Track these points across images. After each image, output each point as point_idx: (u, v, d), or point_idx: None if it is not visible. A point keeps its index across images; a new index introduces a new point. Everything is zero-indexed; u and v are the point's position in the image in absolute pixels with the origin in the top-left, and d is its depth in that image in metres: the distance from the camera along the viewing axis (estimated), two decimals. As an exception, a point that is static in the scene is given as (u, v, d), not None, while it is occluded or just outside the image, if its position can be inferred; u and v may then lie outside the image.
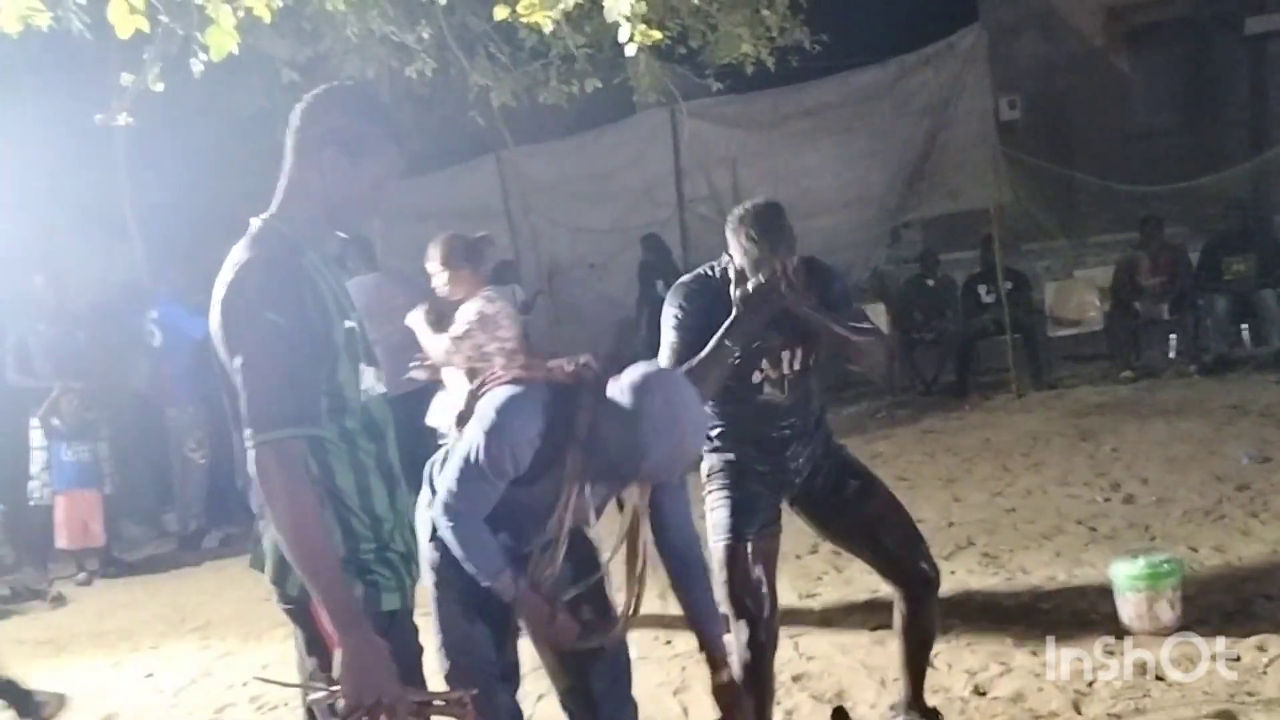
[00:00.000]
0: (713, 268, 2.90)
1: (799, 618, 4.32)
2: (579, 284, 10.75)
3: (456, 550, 2.45)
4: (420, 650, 2.07)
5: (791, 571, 4.72)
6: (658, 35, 5.38)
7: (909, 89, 9.86)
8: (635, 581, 2.50)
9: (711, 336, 2.77)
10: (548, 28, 5.68)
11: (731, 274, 2.81)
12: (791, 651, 3.95)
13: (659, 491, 2.49)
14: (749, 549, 2.80)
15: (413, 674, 2.00)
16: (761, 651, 2.82)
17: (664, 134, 10.14)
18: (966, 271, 9.65)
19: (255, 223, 2.01)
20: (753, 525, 2.82)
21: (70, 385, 6.71)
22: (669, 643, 4.14)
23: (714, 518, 2.87)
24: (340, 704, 1.84)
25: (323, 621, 1.89)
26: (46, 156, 7.52)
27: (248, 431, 1.85)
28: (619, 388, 2.32)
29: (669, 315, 2.86)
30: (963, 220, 10.28)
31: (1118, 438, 6.70)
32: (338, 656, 1.84)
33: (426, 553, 2.52)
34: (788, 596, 4.49)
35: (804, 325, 2.82)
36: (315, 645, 1.96)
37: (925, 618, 3.01)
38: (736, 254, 2.78)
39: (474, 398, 2.49)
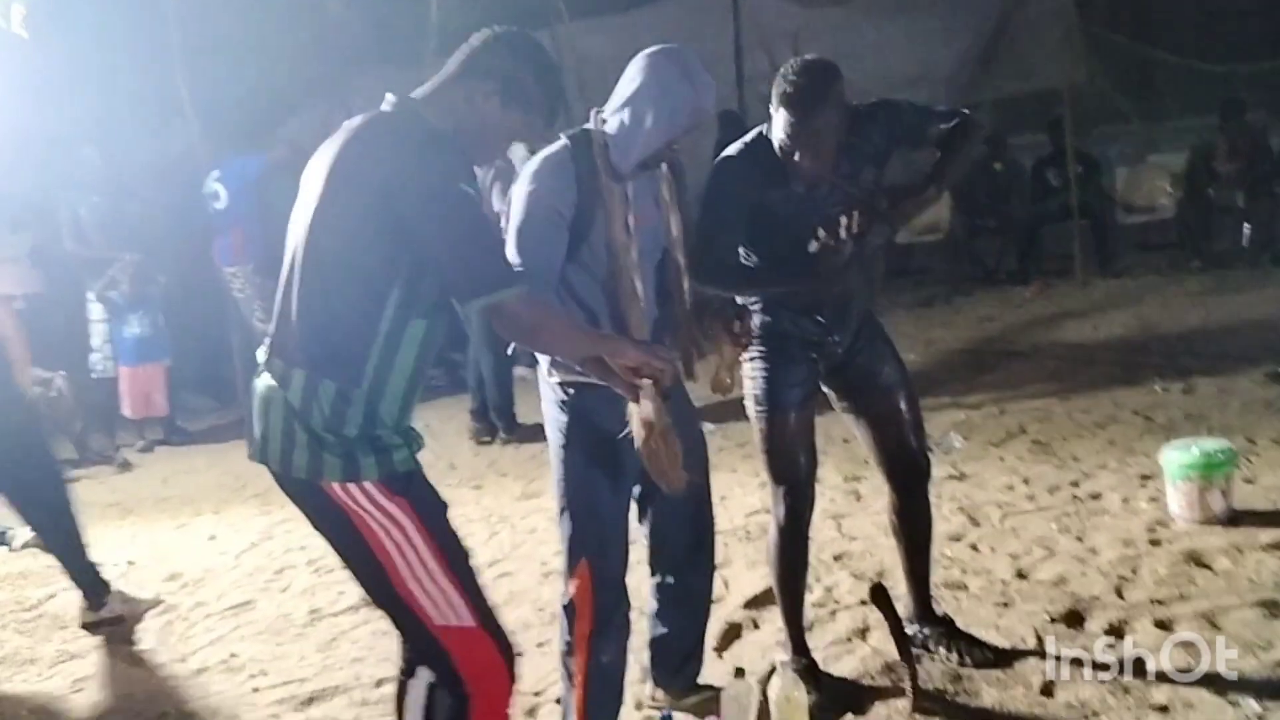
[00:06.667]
0: (760, 133, 2.73)
1: (843, 500, 4.33)
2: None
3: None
4: (445, 503, 2.08)
5: (838, 455, 4.73)
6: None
7: (982, -39, 9.44)
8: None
9: (742, 215, 2.66)
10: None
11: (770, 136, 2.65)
12: (834, 532, 3.97)
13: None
14: (790, 418, 2.78)
15: (443, 522, 2.04)
16: (799, 516, 2.83)
17: (724, 8, 9.83)
18: (1036, 155, 9.32)
19: (393, 99, 2.05)
20: (792, 396, 2.79)
21: (124, 257, 6.79)
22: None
23: (752, 386, 2.83)
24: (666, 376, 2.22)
25: (335, 492, 1.94)
26: (99, 37, 7.49)
27: (481, 296, 1.94)
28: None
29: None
30: (1034, 102, 9.93)
31: (1182, 327, 6.54)
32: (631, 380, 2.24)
33: (553, 415, 2.54)
34: (833, 479, 4.51)
35: (864, 193, 2.68)
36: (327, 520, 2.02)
37: (918, 510, 2.96)
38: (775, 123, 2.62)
39: None
